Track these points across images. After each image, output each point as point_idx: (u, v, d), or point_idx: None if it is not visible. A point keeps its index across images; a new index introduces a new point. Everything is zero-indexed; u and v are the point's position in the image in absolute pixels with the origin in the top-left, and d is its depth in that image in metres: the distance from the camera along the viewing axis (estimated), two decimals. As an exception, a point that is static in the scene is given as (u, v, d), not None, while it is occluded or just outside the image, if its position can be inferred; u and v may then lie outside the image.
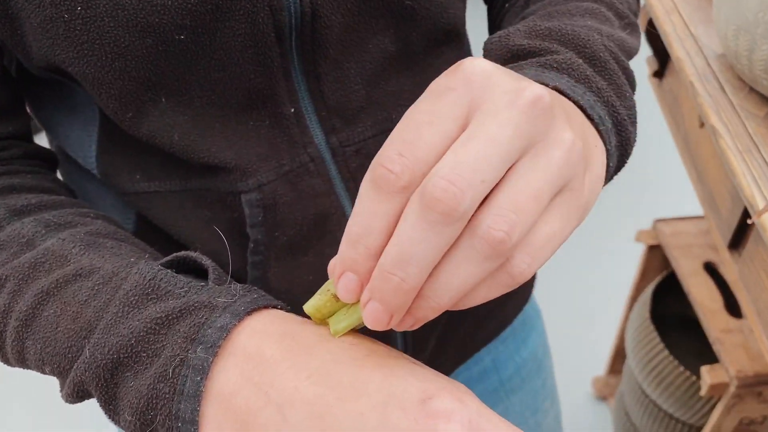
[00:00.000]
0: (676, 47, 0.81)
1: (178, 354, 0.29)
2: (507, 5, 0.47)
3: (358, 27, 0.39)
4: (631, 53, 0.41)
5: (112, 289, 0.32)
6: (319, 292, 0.30)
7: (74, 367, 0.32)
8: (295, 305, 0.42)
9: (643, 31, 0.90)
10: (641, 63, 0.83)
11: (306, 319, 0.31)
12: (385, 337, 0.45)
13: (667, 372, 1.08)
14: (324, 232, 0.42)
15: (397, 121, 0.43)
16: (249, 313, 0.30)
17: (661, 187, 1.81)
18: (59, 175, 0.46)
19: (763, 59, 0.66)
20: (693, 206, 1.07)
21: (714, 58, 0.79)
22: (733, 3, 0.67)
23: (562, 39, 0.37)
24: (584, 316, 1.61)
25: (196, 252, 0.34)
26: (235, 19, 0.35)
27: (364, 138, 0.42)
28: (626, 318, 1.29)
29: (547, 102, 0.26)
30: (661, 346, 1.08)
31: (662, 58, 0.95)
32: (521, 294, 0.58)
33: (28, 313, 0.33)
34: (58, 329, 0.32)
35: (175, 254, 0.34)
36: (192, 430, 0.29)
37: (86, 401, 0.33)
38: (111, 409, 0.31)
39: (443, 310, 0.27)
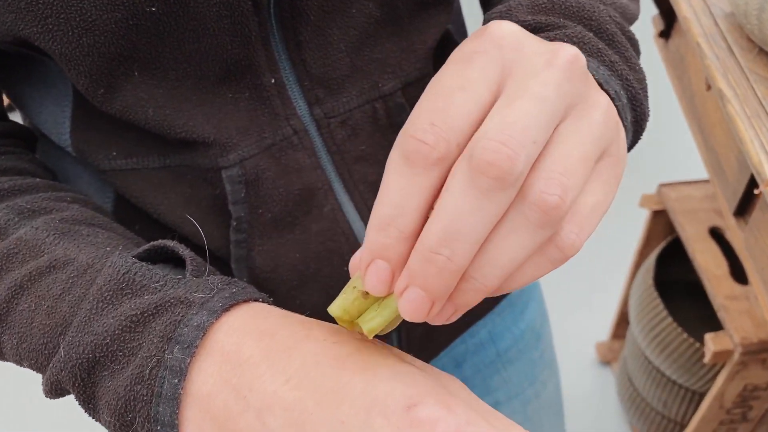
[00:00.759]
0: (683, 6, 0.78)
1: (155, 354, 0.28)
2: None
3: None
4: (632, 20, 0.39)
5: (86, 282, 0.31)
6: (343, 290, 0.27)
7: (50, 365, 0.30)
8: (281, 285, 0.41)
9: (650, -10, 0.87)
10: (646, 23, 0.80)
11: (288, 313, 0.30)
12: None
13: (670, 339, 1.07)
14: (310, 207, 0.40)
15: (385, 90, 0.42)
16: (227, 309, 0.29)
17: (666, 151, 1.78)
18: (39, 154, 0.45)
19: (774, 18, 0.63)
20: (699, 171, 1.05)
21: (722, 18, 0.76)
22: (743, -41, 0.64)
23: (567, 12, 0.35)
24: (588, 282, 1.60)
25: (174, 240, 0.33)
26: None
27: (349, 108, 0.40)
28: (630, 283, 1.28)
29: (583, 62, 0.25)
30: (665, 313, 1.07)
31: (668, 17, 0.91)
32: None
33: (2, 308, 0.32)
34: (33, 324, 0.31)
35: (152, 243, 0.32)
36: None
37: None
38: (90, 407, 0.30)
39: (488, 294, 0.25)
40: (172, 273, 0.31)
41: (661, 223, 1.18)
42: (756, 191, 0.67)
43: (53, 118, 0.39)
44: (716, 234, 1.05)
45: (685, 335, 1.04)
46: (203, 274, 0.31)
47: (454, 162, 0.24)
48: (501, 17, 0.35)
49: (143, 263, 0.31)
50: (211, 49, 0.35)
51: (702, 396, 1.09)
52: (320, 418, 0.25)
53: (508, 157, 0.22)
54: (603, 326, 1.48)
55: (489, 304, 0.55)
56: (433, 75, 0.42)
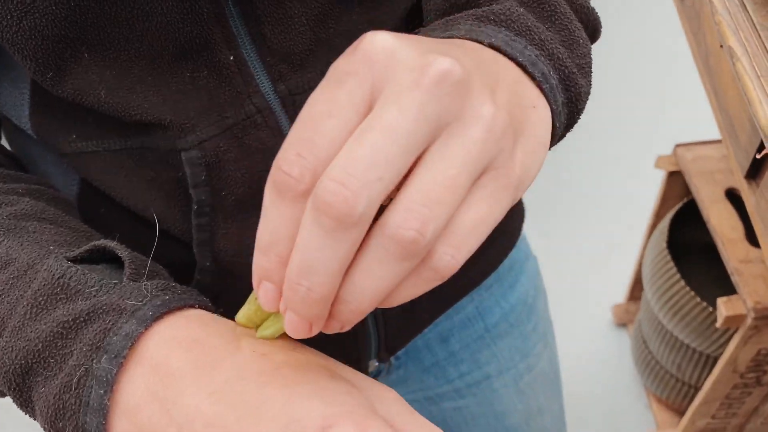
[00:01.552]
0: (695, -42, 0.74)
1: (83, 363, 0.28)
2: None
3: None
4: None
5: (24, 284, 0.31)
6: (247, 301, 0.30)
7: None
8: (246, 269, 0.40)
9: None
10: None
11: (222, 320, 0.30)
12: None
13: (683, 303, 1.05)
14: None
15: None
16: (159, 317, 0.28)
17: (683, 111, 1.72)
18: (4, 135, 0.44)
19: (786, -30, 0.59)
20: (716, 132, 1.01)
21: (735, -31, 0.71)
22: None
23: None
24: (605, 244, 1.57)
25: (114, 241, 0.32)
26: None
27: (315, 84, 0.38)
28: (645, 246, 1.25)
29: (457, 76, 0.23)
30: (678, 276, 1.04)
31: (683, -31, 0.87)
32: (506, 239, 0.55)
33: None
34: None
35: (93, 243, 0.32)
36: None
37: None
38: (29, 411, 0.31)
39: (368, 312, 0.25)
40: (109, 276, 0.31)
41: (677, 184, 1.15)
42: (758, 155, 0.63)
43: (12, 100, 0.39)
44: (734, 196, 1.01)
45: (697, 299, 1.02)
46: (143, 276, 0.31)
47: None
48: None
49: (79, 267, 0.31)
50: (162, 27, 0.34)
51: (716, 360, 1.07)
52: None
53: (345, 199, 0.22)
54: (620, 288, 1.46)
55: (475, 280, 0.53)
56: None
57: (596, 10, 0.37)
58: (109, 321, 0.28)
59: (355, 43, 0.25)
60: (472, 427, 0.58)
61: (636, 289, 1.38)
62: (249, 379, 0.26)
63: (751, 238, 0.95)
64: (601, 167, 1.67)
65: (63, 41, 0.33)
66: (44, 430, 0.29)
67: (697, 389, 1.15)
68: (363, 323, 0.46)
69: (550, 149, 0.30)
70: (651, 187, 1.31)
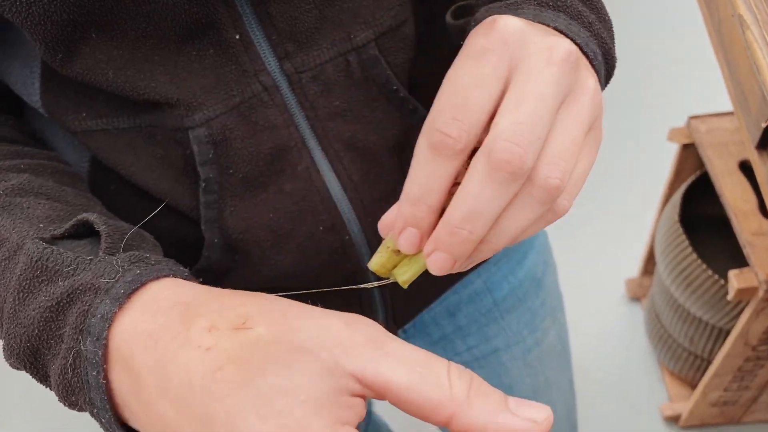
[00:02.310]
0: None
1: (73, 346, 0.28)
2: None
3: None
4: None
5: (14, 264, 0.32)
6: (378, 250, 0.33)
7: (2, 349, 0.32)
8: (254, 246, 0.41)
9: None
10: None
11: (179, 298, 0.28)
12: (357, 270, 0.44)
13: (695, 275, 1.05)
14: (283, 166, 0.40)
15: (358, 41, 0.40)
16: (132, 293, 0.29)
17: (695, 83, 1.69)
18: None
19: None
20: (729, 104, 0.99)
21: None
22: None
23: None
24: (619, 218, 1.57)
25: (95, 214, 0.33)
26: None
27: (321, 62, 0.39)
28: (658, 220, 1.25)
29: (575, 55, 0.30)
30: (690, 249, 1.04)
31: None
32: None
33: None
34: None
35: (77, 218, 0.32)
36: (107, 416, 0.28)
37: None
38: (48, 385, 0.31)
39: (500, 250, 0.31)
40: (89, 252, 0.31)
41: (691, 156, 1.14)
42: (763, 124, 0.63)
43: (23, 79, 0.39)
44: (747, 168, 1.00)
45: (709, 272, 1.02)
46: (119, 249, 0.31)
47: (472, 149, 0.29)
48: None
49: (54, 248, 0.31)
50: (169, 7, 0.34)
51: (728, 333, 1.07)
52: None
53: (520, 156, 0.28)
54: (633, 263, 1.46)
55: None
56: (409, 22, 0.41)
57: None
58: (86, 302, 0.29)
59: (488, 24, 0.30)
60: None
61: (649, 264, 1.38)
62: (196, 384, 0.25)
63: (765, 210, 0.95)
64: (615, 140, 1.65)
65: (72, 24, 0.33)
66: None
67: (709, 362, 1.15)
68: (370, 296, 0.47)
69: None
70: (665, 160, 1.30)
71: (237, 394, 0.24)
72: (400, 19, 0.40)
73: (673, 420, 1.26)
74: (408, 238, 0.31)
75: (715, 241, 1.13)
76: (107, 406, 0.28)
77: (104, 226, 0.32)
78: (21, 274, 0.31)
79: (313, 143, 0.40)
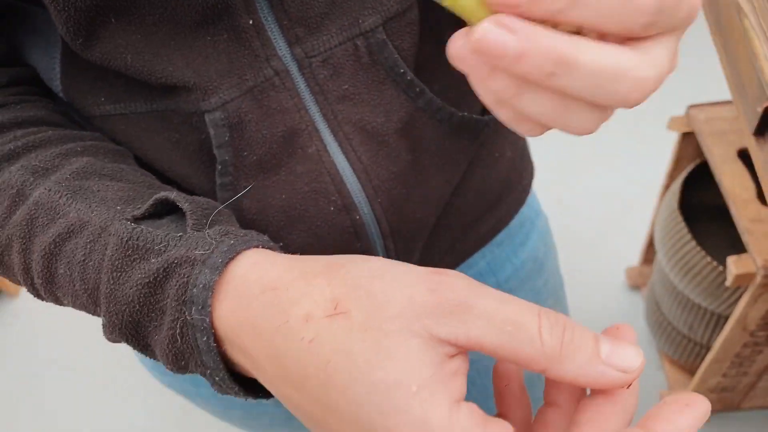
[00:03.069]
0: None
1: (178, 317, 0.30)
2: None
3: None
4: None
5: (102, 247, 0.33)
6: None
7: (102, 327, 0.33)
8: (268, 226, 0.42)
9: None
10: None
11: (270, 282, 0.29)
12: (368, 249, 0.45)
13: (694, 262, 1.06)
14: (295, 148, 0.41)
15: (366, 26, 0.41)
16: (228, 262, 0.30)
17: (695, 72, 1.70)
18: None
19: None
20: (728, 93, 1.00)
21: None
22: None
23: None
24: (619, 206, 1.58)
25: (174, 192, 0.34)
26: None
27: (330, 46, 0.40)
28: (658, 208, 1.26)
29: None
30: (689, 236, 1.05)
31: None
32: (516, 196, 0.57)
33: (45, 273, 0.35)
34: (75, 288, 0.34)
35: (154, 198, 0.34)
36: (221, 374, 0.30)
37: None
38: (151, 355, 0.33)
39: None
40: (174, 230, 0.32)
41: (690, 145, 1.15)
42: (758, 108, 0.64)
43: (44, 65, 0.41)
44: (746, 156, 1.02)
45: (708, 258, 1.03)
46: (205, 225, 0.32)
47: None
48: None
49: (143, 227, 0.32)
50: None
51: (727, 319, 1.09)
52: (331, 429, 0.27)
53: None
54: (633, 251, 1.47)
55: (486, 236, 0.55)
56: (415, 7, 0.42)
57: None
58: (184, 274, 0.30)
59: None
60: (485, 379, 0.60)
61: (649, 252, 1.40)
62: (313, 376, 0.26)
63: (763, 197, 0.96)
64: (615, 129, 1.67)
65: (93, 9, 0.35)
66: (166, 366, 0.32)
67: (708, 349, 1.17)
68: None
69: None
70: (664, 148, 1.31)
71: (353, 388, 0.25)
72: (406, 4, 0.42)
73: (673, 406, 1.27)
74: None
75: (714, 228, 1.14)
76: (221, 366, 0.29)
77: (187, 204, 0.33)
78: (112, 255, 0.32)
79: (322, 126, 0.41)
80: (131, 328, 0.32)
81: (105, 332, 0.33)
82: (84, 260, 0.33)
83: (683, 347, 1.23)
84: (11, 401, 1.48)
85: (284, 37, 0.39)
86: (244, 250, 0.31)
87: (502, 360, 0.26)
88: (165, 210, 0.35)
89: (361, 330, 0.26)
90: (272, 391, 0.29)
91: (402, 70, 0.42)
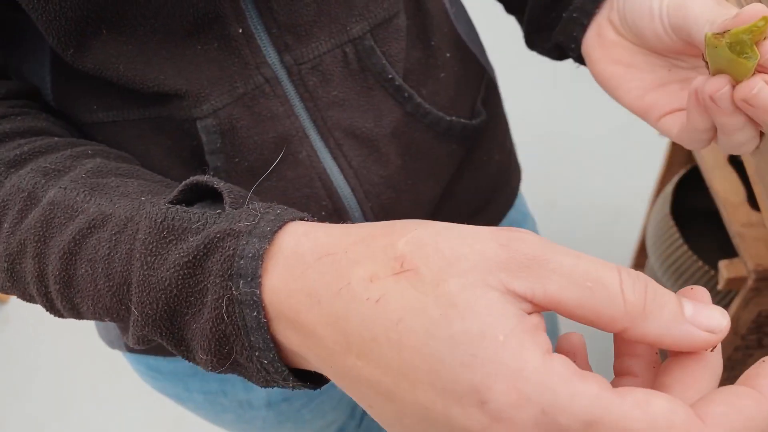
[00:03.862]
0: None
1: (223, 294, 0.27)
2: None
3: None
4: None
5: (129, 237, 0.30)
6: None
7: (131, 323, 0.30)
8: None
9: None
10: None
11: (319, 245, 0.27)
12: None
13: (685, 267, 1.07)
14: (286, 154, 0.41)
15: (354, 33, 0.42)
16: (277, 231, 0.27)
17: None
18: None
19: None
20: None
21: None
22: None
23: None
24: (611, 212, 1.59)
25: (205, 176, 0.31)
26: None
27: (319, 53, 0.41)
28: (650, 213, 1.27)
29: None
30: (680, 240, 1.06)
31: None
32: (503, 199, 0.57)
33: (62, 276, 0.32)
34: (98, 287, 0.31)
35: (185, 182, 0.31)
36: (271, 355, 0.27)
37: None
38: (183, 350, 0.30)
39: None
40: (209, 210, 0.30)
41: (682, 151, 1.16)
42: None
43: (34, 73, 0.41)
44: (736, 162, 1.03)
45: (699, 263, 1.04)
46: (242, 204, 0.30)
47: None
48: None
49: (177, 206, 0.30)
50: (177, 3, 0.36)
51: (719, 323, 1.09)
52: (403, 398, 0.23)
53: None
54: (625, 256, 1.48)
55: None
56: (401, 14, 0.43)
57: None
58: (229, 247, 0.27)
59: None
60: None
61: (641, 256, 1.40)
62: (380, 340, 0.24)
63: (753, 202, 0.97)
64: (608, 135, 1.68)
65: (84, 21, 0.35)
66: (204, 362, 0.29)
67: (700, 352, 1.17)
68: None
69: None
70: (656, 154, 1.32)
71: (430, 344, 0.23)
72: (393, 11, 0.42)
73: (666, 410, 1.28)
74: None
75: (705, 233, 1.15)
76: (271, 345, 0.27)
77: (222, 184, 0.31)
78: (145, 239, 0.29)
79: (313, 132, 0.42)
80: (166, 319, 0.29)
81: (134, 331, 0.30)
82: (109, 254, 0.30)
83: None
84: (0, 407, 1.48)
85: (273, 45, 0.39)
86: (291, 220, 0.28)
87: (579, 319, 0.23)
88: (194, 199, 0.32)
89: (432, 285, 0.23)
90: (329, 368, 0.26)
91: (390, 76, 0.42)
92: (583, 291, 0.23)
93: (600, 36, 0.41)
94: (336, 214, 0.43)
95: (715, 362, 0.24)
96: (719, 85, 0.32)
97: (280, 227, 0.28)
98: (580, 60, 0.44)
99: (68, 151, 0.36)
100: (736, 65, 0.31)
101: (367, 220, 0.44)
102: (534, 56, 0.51)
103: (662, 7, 0.36)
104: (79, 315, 0.33)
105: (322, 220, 0.43)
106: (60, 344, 1.55)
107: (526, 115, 1.46)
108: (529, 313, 0.23)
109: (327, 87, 0.41)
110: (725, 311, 0.24)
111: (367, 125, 0.42)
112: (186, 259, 0.28)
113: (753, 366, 0.24)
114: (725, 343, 1.03)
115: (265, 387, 0.29)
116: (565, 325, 0.61)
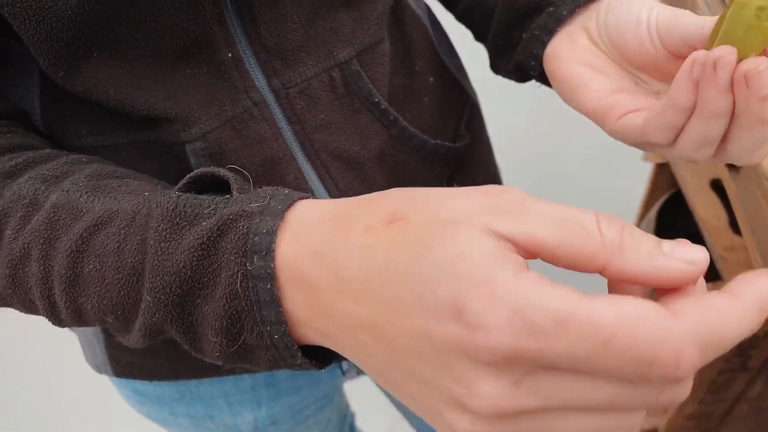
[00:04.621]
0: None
1: (237, 271, 0.28)
2: None
3: None
4: None
5: (139, 228, 0.31)
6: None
7: (140, 313, 0.31)
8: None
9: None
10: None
11: (321, 215, 0.29)
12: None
13: (670, 290, 1.08)
14: (274, 177, 0.42)
15: (340, 58, 0.43)
16: (287, 208, 0.29)
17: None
18: None
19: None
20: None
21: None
22: None
23: None
24: (597, 235, 1.60)
25: (210, 167, 0.32)
26: None
27: (306, 78, 0.41)
28: (635, 237, 1.28)
29: None
30: (665, 265, 1.07)
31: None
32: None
33: (68, 276, 0.32)
34: (106, 282, 0.32)
35: (190, 175, 0.32)
36: (282, 329, 0.28)
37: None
38: (191, 338, 0.31)
39: None
40: (219, 197, 0.31)
41: (665, 176, 1.18)
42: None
43: (22, 97, 0.41)
44: (719, 186, 1.04)
45: (684, 287, 1.05)
46: (249, 191, 0.31)
47: None
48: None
49: (188, 194, 0.31)
50: (168, 27, 0.36)
51: (703, 346, 1.10)
52: (393, 335, 0.25)
53: None
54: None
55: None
56: (386, 40, 0.44)
57: None
58: (243, 226, 0.29)
59: None
60: None
61: (627, 280, 1.41)
62: (372, 279, 0.25)
63: (735, 226, 0.98)
64: (592, 160, 1.70)
65: (75, 43, 0.35)
66: (213, 345, 0.30)
67: (686, 375, 1.17)
68: None
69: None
70: (640, 178, 1.33)
71: (413, 273, 0.24)
72: (378, 37, 0.43)
73: (652, 434, 1.28)
74: None
75: (689, 257, 1.16)
76: (282, 319, 0.28)
77: (228, 173, 0.32)
78: (158, 227, 0.30)
79: (300, 155, 0.42)
80: (177, 303, 0.30)
81: (146, 318, 0.31)
82: (118, 247, 0.31)
83: (661, 374, 1.23)
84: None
85: (262, 69, 0.40)
86: (300, 199, 0.30)
87: (560, 260, 0.24)
88: (198, 191, 0.33)
89: (419, 227, 0.25)
90: (331, 322, 0.27)
91: (376, 100, 0.43)
92: (561, 230, 0.23)
93: (572, 40, 0.41)
94: None
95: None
96: (727, 52, 0.31)
97: (290, 205, 0.29)
98: (542, 79, 0.44)
99: (64, 158, 0.37)
100: (755, 33, 0.30)
101: None
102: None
103: (651, 17, 0.37)
104: (80, 318, 0.34)
105: None
106: (46, 368, 1.53)
107: (509, 140, 1.48)
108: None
109: (314, 110, 0.42)
110: (704, 248, 0.24)
111: (354, 148, 0.43)
112: (200, 241, 0.29)
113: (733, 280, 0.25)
114: (709, 366, 1.03)
115: (272, 369, 0.30)
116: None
